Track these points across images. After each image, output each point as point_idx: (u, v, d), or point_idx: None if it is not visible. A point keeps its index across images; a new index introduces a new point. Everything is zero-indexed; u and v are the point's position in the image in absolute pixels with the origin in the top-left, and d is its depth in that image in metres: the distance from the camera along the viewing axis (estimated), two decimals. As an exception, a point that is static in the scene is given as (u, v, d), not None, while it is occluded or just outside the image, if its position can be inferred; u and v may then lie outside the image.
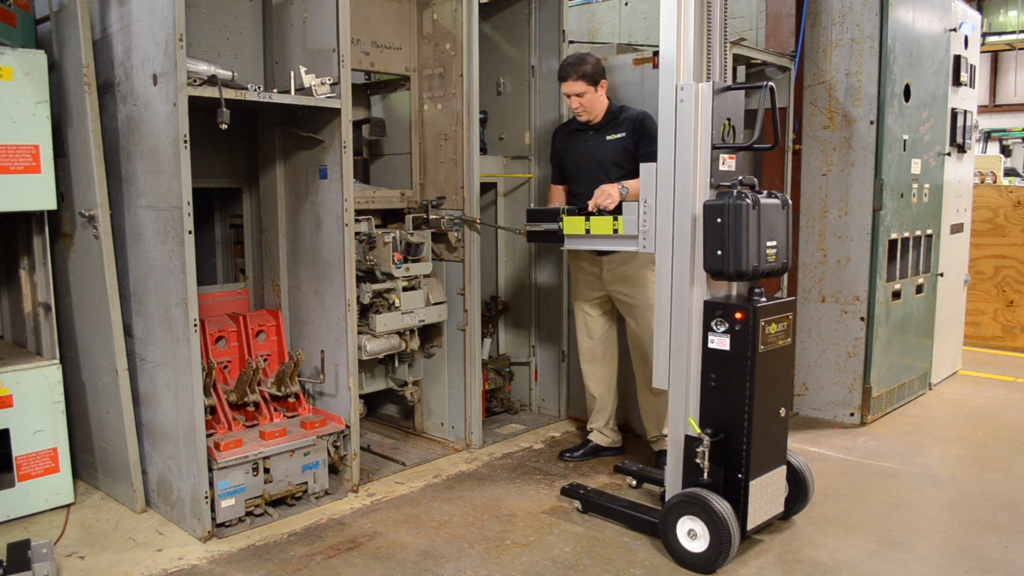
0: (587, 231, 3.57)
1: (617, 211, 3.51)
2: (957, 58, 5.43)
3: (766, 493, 3.14)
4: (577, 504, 3.57)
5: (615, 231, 3.43)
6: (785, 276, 4.41)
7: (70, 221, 3.62)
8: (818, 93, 4.82)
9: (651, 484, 3.77)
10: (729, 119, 3.11)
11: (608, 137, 3.94)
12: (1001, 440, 4.57)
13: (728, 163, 3.08)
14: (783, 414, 3.18)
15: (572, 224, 3.60)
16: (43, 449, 3.51)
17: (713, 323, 3.03)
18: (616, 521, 3.43)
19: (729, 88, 3.11)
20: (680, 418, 3.17)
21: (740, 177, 3.01)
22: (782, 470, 3.24)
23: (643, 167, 3.26)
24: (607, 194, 3.57)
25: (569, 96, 3.90)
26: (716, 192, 3.05)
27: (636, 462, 3.96)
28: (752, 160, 4.42)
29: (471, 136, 4.13)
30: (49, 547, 2.86)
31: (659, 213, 3.18)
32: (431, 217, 4.19)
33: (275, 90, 3.53)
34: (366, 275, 4.05)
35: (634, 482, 3.83)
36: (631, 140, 3.89)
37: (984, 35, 15.67)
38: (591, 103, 3.90)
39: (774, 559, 3.14)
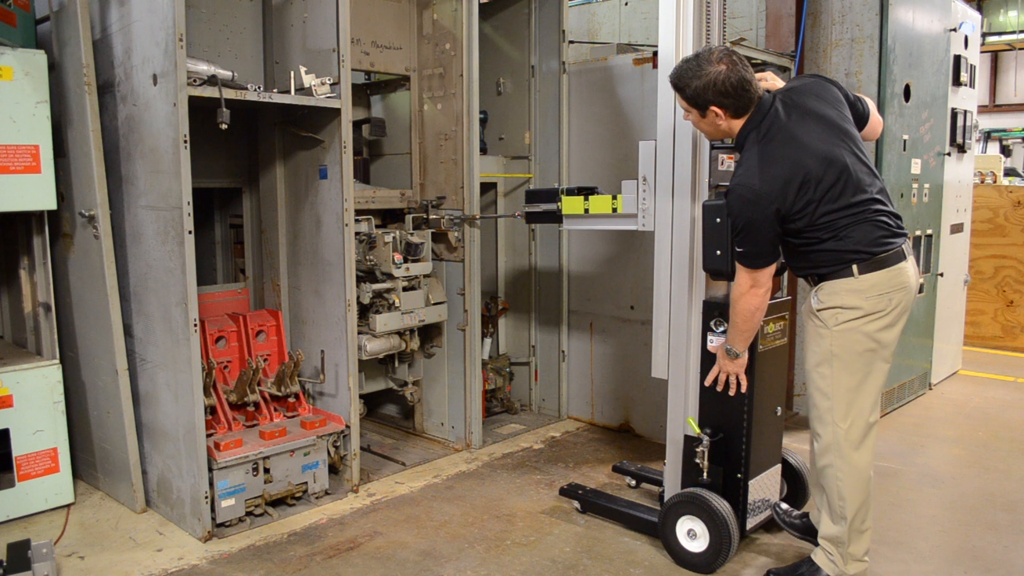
0: (586, 211, 3.49)
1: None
2: (957, 58, 5.43)
3: (765, 492, 3.14)
4: (576, 504, 3.57)
5: (614, 210, 3.40)
6: (785, 276, 4.40)
7: (70, 221, 3.62)
8: (818, 93, 4.81)
9: (650, 484, 3.77)
10: (729, 119, 3.10)
11: None
12: (1001, 440, 4.57)
13: (728, 163, 3.08)
14: (779, 413, 3.18)
15: (571, 204, 3.54)
16: (43, 449, 3.51)
17: (712, 323, 3.03)
18: (616, 521, 3.43)
19: (729, 88, 3.11)
20: (679, 418, 3.17)
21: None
22: (777, 468, 3.25)
23: (642, 144, 3.21)
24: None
25: None
26: (716, 192, 3.05)
27: (635, 461, 3.96)
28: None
29: (471, 136, 4.13)
30: (49, 547, 2.86)
31: (658, 197, 3.18)
32: (431, 217, 4.19)
33: (275, 90, 3.53)
34: (366, 275, 4.05)
35: (633, 482, 3.83)
36: None
37: (984, 35, 15.69)
38: None
39: (774, 559, 3.14)
